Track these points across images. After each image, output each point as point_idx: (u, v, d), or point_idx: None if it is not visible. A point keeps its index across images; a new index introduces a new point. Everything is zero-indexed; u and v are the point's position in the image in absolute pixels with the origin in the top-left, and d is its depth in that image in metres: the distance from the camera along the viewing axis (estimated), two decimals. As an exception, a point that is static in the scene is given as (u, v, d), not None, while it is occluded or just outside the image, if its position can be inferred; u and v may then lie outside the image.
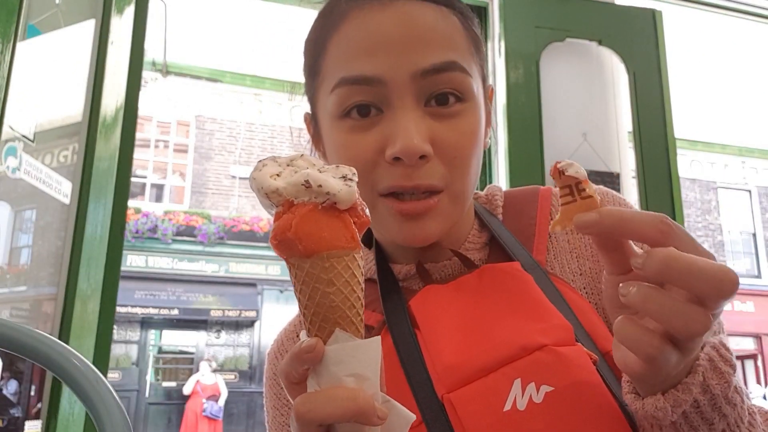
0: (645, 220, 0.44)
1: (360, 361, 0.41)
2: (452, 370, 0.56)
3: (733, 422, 0.48)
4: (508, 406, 0.53)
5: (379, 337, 0.42)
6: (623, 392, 0.51)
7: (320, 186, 0.40)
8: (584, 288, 0.67)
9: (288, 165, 0.43)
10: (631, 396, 0.50)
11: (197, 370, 11.25)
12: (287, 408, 0.71)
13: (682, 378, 0.46)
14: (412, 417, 0.42)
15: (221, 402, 10.75)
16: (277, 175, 0.42)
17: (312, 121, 0.72)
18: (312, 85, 0.68)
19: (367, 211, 0.43)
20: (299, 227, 0.40)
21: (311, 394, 0.41)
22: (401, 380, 0.58)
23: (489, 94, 0.71)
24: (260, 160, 0.43)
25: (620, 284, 0.44)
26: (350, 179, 0.42)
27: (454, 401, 0.54)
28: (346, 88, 0.60)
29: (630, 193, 2.44)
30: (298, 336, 0.73)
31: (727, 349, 0.47)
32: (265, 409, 0.75)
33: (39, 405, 1.54)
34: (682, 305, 0.41)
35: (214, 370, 11.25)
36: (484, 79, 0.68)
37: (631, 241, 0.48)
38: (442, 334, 0.59)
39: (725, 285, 0.40)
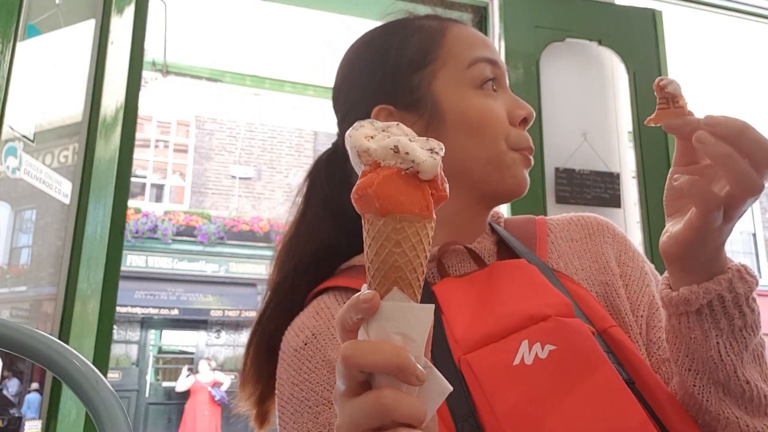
0: (719, 135, 0.53)
1: (410, 322, 0.43)
2: (468, 338, 0.64)
3: (750, 324, 0.59)
4: (516, 361, 0.61)
5: (432, 306, 0.43)
6: (659, 290, 0.63)
7: (407, 153, 0.43)
8: (585, 281, 0.78)
9: (383, 131, 0.46)
10: (666, 291, 0.62)
11: (198, 371, 11.24)
12: (307, 383, 0.71)
13: (714, 275, 0.58)
14: (450, 388, 0.44)
15: (224, 388, 10.76)
16: (371, 137, 0.45)
17: (416, 105, 0.79)
18: (420, 72, 0.80)
19: (447, 186, 0.45)
20: (380, 186, 0.42)
21: (359, 341, 0.43)
22: None
23: None
24: (359, 121, 0.47)
25: (695, 135, 0.54)
26: (436, 153, 0.44)
27: (470, 360, 0.62)
28: (484, 64, 0.79)
29: (630, 193, 2.44)
30: (317, 313, 0.76)
31: (750, 272, 0.59)
32: (277, 389, 0.75)
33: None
34: (743, 167, 0.52)
35: (213, 369, 11.23)
36: None
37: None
38: (459, 312, 0.68)
39: None
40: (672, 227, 0.59)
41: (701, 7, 3.12)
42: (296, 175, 12.71)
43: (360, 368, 0.42)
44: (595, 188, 2.35)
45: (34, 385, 1.53)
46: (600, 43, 2.48)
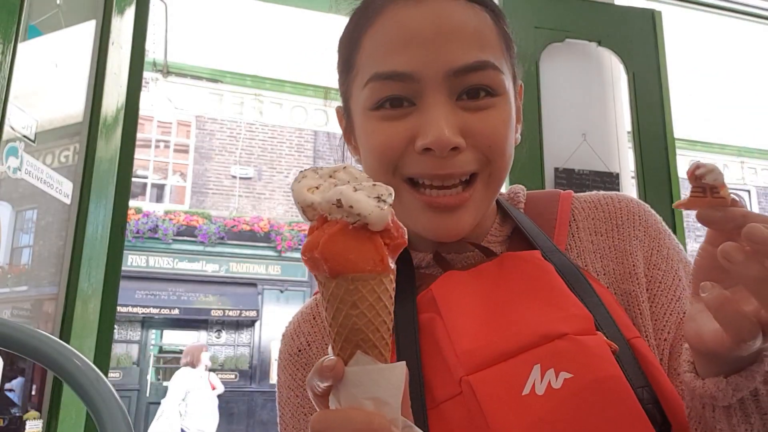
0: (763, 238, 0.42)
1: (380, 385, 0.40)
2: (473, 354, 0.56)
3: None
4: (526, 390, 0.53)
5: (403, 363, 0.42)
6: (682, 370, 0.53)
7: (351, 207, 0.39)
8: (608, 286, 0.68)
9: (330, 177, 0.42)
10: (690, 375, 0.51)
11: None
12: (302, 389, 0.71)
13: (746, 364, 0.47)
14: None
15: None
16: (316, 187, 0.41)
17: (344, 114, 0.73)
18: (346, 80, 0.69)
19: (406, 233, 0.42)
20: (326, 247, 0.39)
21: (328, 412, 0.41)
22: None
23: (519, 91, 0.72)
24: (302, 171, 0.43)
25: (721, 248, 0.44)
26: (384, 200, 0.40)
27: (473, 383, 0.54)
28: (380, 83, 0.62)
29: (629, 192, 2.44)
30: (314, 318, 0.74)
31: None
32: (277, 389, 0.75)
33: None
34: None
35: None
36: (515, 77, 0.70)
37: None
38: (463, 318, 0.59)
39: None
40: (700, 317, 0.48)
41: (700, 7, 3.13)
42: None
43: None
44: (595, 188, 2.35)
45: (8, 385, 1.52)
46: (599, 43, 2.49)
